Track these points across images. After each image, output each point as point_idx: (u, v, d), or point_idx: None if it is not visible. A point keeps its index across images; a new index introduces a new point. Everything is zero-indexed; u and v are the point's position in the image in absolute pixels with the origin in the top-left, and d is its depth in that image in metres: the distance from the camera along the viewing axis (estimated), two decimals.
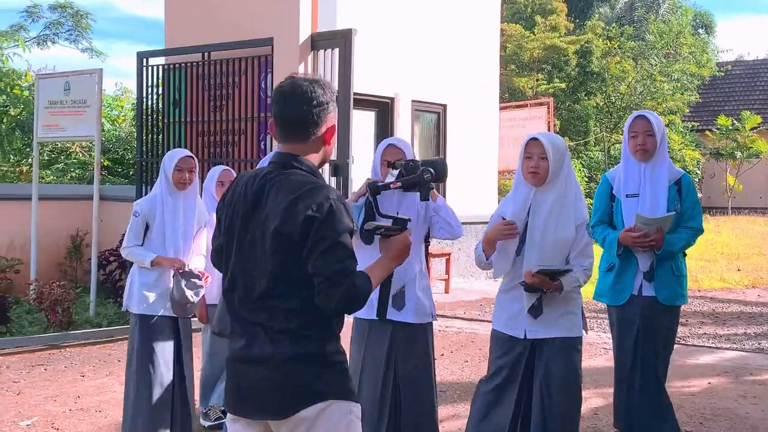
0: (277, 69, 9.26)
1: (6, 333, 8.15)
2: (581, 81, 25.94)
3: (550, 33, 24.12)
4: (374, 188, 2.64)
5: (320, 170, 2.64)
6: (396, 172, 3.36)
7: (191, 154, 4.63)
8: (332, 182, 8.96)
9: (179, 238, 4.54)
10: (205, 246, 4.74)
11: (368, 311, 4.00)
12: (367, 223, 2.62)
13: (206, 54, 10.03)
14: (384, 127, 10.33)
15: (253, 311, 2.46)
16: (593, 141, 25.61)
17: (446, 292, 10.62)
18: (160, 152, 10.61)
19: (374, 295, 3.89)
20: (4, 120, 11.95)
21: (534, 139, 3.79)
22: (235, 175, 4.72)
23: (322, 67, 9.09)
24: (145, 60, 10.80)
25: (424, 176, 2.77)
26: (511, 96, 23.85)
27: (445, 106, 11.09)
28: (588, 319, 4.32)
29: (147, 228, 4.53)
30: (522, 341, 3.82)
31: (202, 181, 5.36)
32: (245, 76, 9.60)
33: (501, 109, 14.17)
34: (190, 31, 10.40)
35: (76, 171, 14.59)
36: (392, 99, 10.31)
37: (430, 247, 4.74)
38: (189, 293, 4.46)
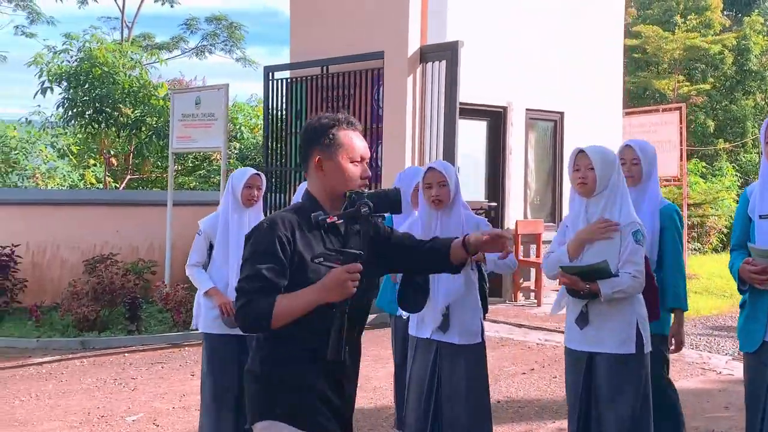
0: (388, 81, 9.50)
1: (135, 332, 8.87)
2: (738, 80, 24.62)
3: (690, 33, 22.99)
4: (317, 223, 2.69)
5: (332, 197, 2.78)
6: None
7: (259, 172, 4.86)
8: None
9: None
10: None
11: (416, 328, 4.15)
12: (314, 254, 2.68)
13: (325, 67, 10.44)
14: (496, 136, 10.32)
15: None
16: (751, 143, 24.20)
17: (538, 305, 10.30)
18: (285, 162, 11.13)
19: (424, 314, 4.02)
20: (143, 129, 12.91)
21: (581, 152, 3.81)
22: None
23: (429, 79, 9.23)
24: (270, 74, 11.37)
25: (361, 210, 2.66)
26: (648, 99, 23.00)
27: (562, 114, 10.92)
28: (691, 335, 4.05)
29: (211, 246, 4.80)
30: (579, 354, 3.78)
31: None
32: (359, 89, 9.92)
33: (630, 114, 13.73)
34: (311, 45, 10.83)
35: (217, 178, 15.50)
36: (505, 108, 10.27)
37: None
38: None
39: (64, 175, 14.91)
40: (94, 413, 6.16)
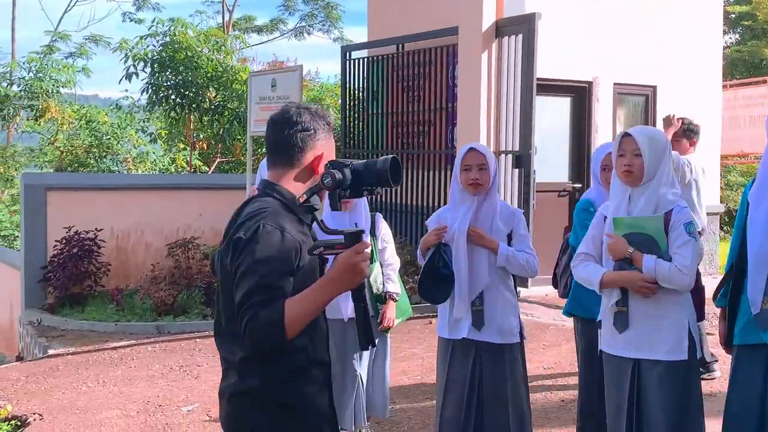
0: (462, 58, 9.10)
1: (209, 316, 8.87)
2: None
3: None
4: (306, 207, 2.40)
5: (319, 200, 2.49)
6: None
7: None
8: (514, 174, 8.65)
9: None
10: None
11: (449, 330, 3.83)
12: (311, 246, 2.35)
13: (400, 46, 10.13)
14: (580, 113, 9.74)
15: (220, 345, 2.43)
16: None
17: None
18: (362, 143, 10.91)
19: (456, 312, 3.70)
20: (225, 114, 12.93)
21: (627, 135, 3.38)
22: None
23: (505, 55, 8.77)
24: (348, 54, 11.15)
25: (324, 181, 2.28)
26: (765, 69, 21.49)
27: (654, 88, 10.20)
28: None
29: None
30: (622, 360, 3.37)
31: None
32: (434, 66, 9.57)
33: (733, 86, 12.81)
34: (387, 23, 10.54)
35: None
36: (590, 83, 9.67)
37: None
38: None
39: (155, 160, 15.19)
40: (153, 402, 6.13)
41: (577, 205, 4.27)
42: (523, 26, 8.49)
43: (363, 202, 4.50)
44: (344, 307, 4.36)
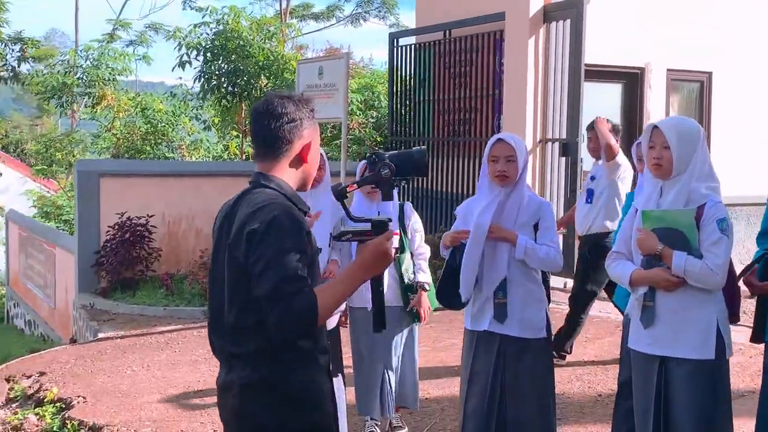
0: (509, 44, 8.97)
1: None
2: None
3: None
4: (337, 192, 2.43)
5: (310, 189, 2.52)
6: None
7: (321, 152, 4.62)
8: (561, 162, 8.50)
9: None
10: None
11: (471, 321, 3.78)
12: (336, 230, 2.44)
13: (447, 32, 10.03)
14: (632, 100, 9.49)
15: (221, 337, 2.43)
16: None
17: None
18: (409, 131, 10.85)
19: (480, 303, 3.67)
20: None
21: (656, 127, 3.27)
22: (325, 159, 4.47)
23: (553, 41, 8.60)
24: (395, 40, 11.09)
25: (382, 172, 2.40)
26: None
27: (710, 74, 9.88)
28: None
29: None
30: (648, 357, 3.27)
31: None
32: (480, 53, 9.45)
33: None
34: (435, 10, 10.44)
35: (353, 147, 15.46)
36: (642, 69, 9.42)
37: None
38: None
39: (209, 147, 15.41)
40: (193, 387, 6.23)
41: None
42: (572, 11, 8.31)
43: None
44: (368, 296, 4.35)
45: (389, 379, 4.59)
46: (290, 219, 2.28)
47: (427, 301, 4.60)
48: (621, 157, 5.87)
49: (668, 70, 9.58)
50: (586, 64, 8.30)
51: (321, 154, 4.61)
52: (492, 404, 3.67)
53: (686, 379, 3.15)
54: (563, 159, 8.45)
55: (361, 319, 4.56)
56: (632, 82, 9.46)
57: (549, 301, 3.83)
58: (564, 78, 8.45)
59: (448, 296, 3.72)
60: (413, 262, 4.59)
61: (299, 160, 2.45)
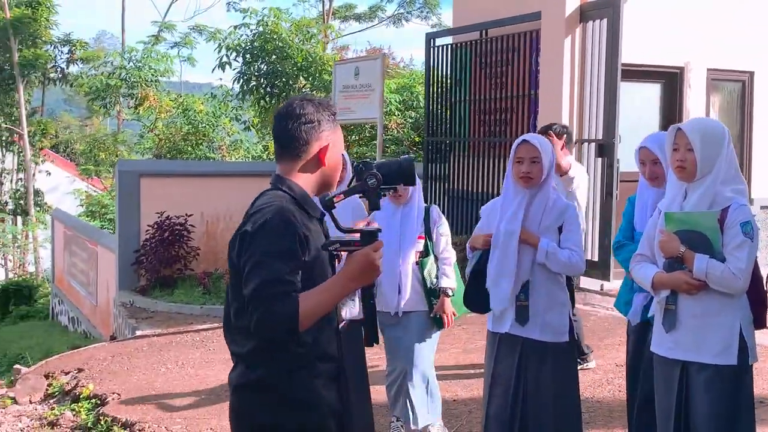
0: (545, 44, 8.89)
1: None
2: None
3: None
4: (325, 203, 2.41)
5: (332, 192, 2.50)
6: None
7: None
8: (597, 164, 8.40)
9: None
10: None
11: (493, 323, 3.77)
12: (325, 242, 2.39)
13: (483, 32, 9.99)
14: (671, 100, 9.33)
15: (229, 339, 2.45)
16: None
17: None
18: (447, 131, 10.83)
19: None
20: None
21: (679, 129, 3.23)
22: (347, 160, 4.32)
23: (590, 40, 8.50)
24: (432, 41, 11.08)
25: (368, 182, 2.37)
26: None
27: (752, 74, 9.67)
28: None
29: None
30: (670, 362, 3.22)
31: None
32: (517, 53, 9.39)
33: None
34: (472, 10, 10.40)
35: (391, 147, 15.47)
36: (682, 69, 9.25)
37: None
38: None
39: (248, 148, 15.57)
40: (225, 385, 6.28)
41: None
42: (608, 10, 8.20)
43: (417, 194, 4.45)
44: (391, 301, 4.36)
45: (420, 384, 4.47)
46: (283, 222, 2.27)
47: (450, 306, 4.52)
48: (573, 169, 5.65)
49: (708, 69, 9.40)
50: (623, 64, 8.19)
51: (342, 154, 4.62)
52: (515, 407, 3.67)
53: (707, 385, 3.10)
54: (599, 160, 8.35)
55: (382, 323, 4.52)
56: (671, 82, 9.31)
57: (573, 305, 3.80)
58: (600, 78, 8.35)
59: (474, 300, 3.72)
60: (437, 266, 4.55)
61: (317, 163, 2.43)
